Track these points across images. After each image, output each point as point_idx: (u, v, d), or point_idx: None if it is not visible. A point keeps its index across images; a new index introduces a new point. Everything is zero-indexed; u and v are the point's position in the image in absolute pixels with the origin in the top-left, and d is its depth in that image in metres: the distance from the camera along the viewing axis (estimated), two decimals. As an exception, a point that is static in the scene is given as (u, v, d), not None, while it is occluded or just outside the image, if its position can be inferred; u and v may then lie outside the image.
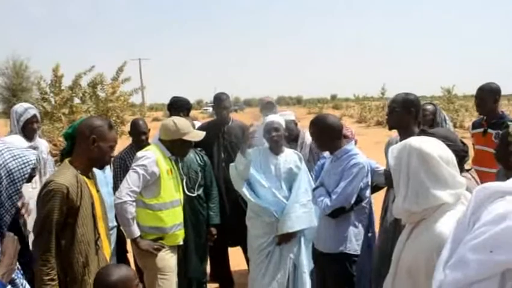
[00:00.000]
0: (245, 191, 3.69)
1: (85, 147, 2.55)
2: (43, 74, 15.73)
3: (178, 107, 4.61)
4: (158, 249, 3.33)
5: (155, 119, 33.89)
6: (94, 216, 2.53)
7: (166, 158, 3.42)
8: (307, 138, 4.46)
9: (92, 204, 2.53)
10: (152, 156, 3.33)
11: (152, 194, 3.33)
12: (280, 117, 3.91)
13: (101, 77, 15.32)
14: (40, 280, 2.27)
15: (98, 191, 2.69)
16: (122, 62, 15.94)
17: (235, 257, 4.72)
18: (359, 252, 3.19)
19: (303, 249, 3.62)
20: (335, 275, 3.18)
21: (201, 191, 4.10)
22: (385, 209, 3.34)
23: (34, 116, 4.12)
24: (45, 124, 14.21)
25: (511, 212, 1.28)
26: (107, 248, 2.71)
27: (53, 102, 14.84)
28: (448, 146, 1.98)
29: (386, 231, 3.28)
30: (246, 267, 4.29)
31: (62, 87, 15.02)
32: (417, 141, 1.94)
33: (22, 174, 1.82)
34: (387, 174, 3.18)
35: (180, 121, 3.49)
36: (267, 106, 5.16)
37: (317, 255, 3.29)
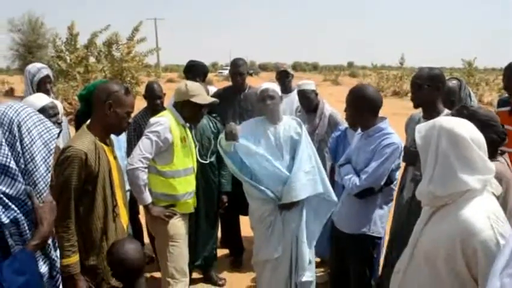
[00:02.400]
0: (236, 172, 3.56)
1: (101, 112, 2.50)
2: (59, 31, 15.72)
3: (195, 71, 4.53)
4: (170, 216, 3.32)
5: (170, 80, 33.83)
6: (111, 183, 2.50)
7: (179, 125, 3.37)
8: (327, 109, 4.37)
9: (110, 171, 2.49)
10: (166, 123, 3.27)
11: (165, 161, 3.30)
12: (275, 85, 3.74)
13: (116, 36, 15.24)
14: (61, 246, 2.24)
15: (115, 157, 2.65)
16: (137, 21, 15.78)
17: (246, 224, 4.71)
18: (382, 235, 3.10)
19: (304, 218, 3.56)
20: (355, 256, 3.11)
21: (213, 158, 4.06)
22: (402, 186, 3.26)
23: (47, 76, 4.09)
24: (60, 82, 14.26)
25: None
26: (125, 216, 2.69)
27: (68, 61, 14.84)
28: (492, 126, 1.85)
29: (401, 209, 3.22)
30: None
31: (78, 46, 14.99)
32: (448, 122, 1.84)
33: (51, 136, 1.79)
34: (407, 151, 3.08)
35: (192, 84, 3.43)
36: (283, 74, 5.03)
37: (337, 234, 3.20)
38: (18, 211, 1.66)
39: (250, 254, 3.95)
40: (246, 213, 4.29)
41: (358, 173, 2.97)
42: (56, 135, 1.83)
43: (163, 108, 4.25)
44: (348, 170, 3.05)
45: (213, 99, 3.50)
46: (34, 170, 1.71)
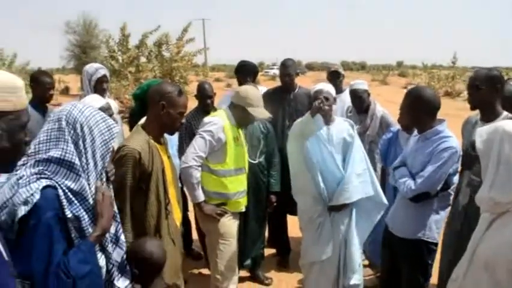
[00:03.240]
0: (309, 147, 3.43)
1: (155, 113, 2.57)
2: (111, 32, 16.29)
3: (245, 71, 4.57)
4: (221, 215, 3.37)
5: (217, 80, 34.31)
6: (164, 181, 2.56)
7: (232, 125, 3.41)
8: (378, 110, 4.31)
9: (163, 170, 2.56)
10: (219, 123, 3.33)
11: (217, 159, 3.35)
12: (329, 86, 3.69)
13: (166, 37, 15.62)
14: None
15: (169, 157, 2.72)
16: (185, 22, 16.11)
17: (294, 225, 4.71)
18: (437, 241, 3.00)
19: (354, 220, 3.50)
20: (409, 262, 3.02)
21: (262, 158, 4.07)
22: (457, 191, 3.15)
23: (104, 76, 4.23)
24: (112, 82, 14.75)
25: None
26: (178, 213, 2.76)
27: (120, 61, 15.33)
28: None
29: (457, 214, 3.12)
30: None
31: (129, 46, 15.47)
32: (511, 126, 1.77)
33: (111, 134, 1.87)
34: (464, 154, 2.98)
35: (254, 92, 3.44)
36: (334, 74, 5.00)
37: (390, 238, 3.12)
38: (80, 207, 1.74)
39: (297, 255, 3.94)
40: (293, 213, 4.31)
41: (413, 176, 2.88)
42: (116, 134, 1.90)
43: (214, 108, 4.32)
44: (403, 173, 2.97)
45: (268, 114, 3.50)
46: (93, 167, 1.79)
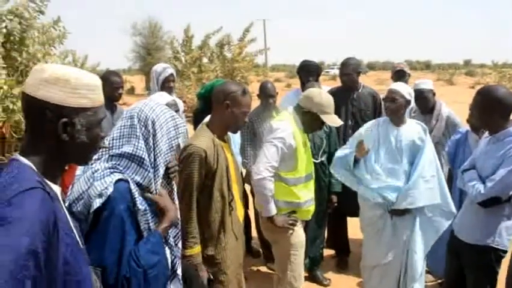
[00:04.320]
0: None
1: (219, 112, 2.63)
2: (175, 34, 16.82)
3: (308, 70, 4.53)
4: (293, 224, 3.18)
5: (277, 80, 34.42)
6: (228, 178, 2.62)
7: (300, 130, 3.20)
8: (444, 110, 4.16)
9: (227, 167, 2.62)
10: (289, 129, 3.11)
11: (288, 167, 3.13)
12: (403, 86, 3.50)
13: (228, 37, 15.90)
14: (184, 238, 2.39)
15: (232, 154, 2.78)
16: (246, 22, 16.34)
17: (354, 226, 4.65)
18: (507, 249, 2.85)
19: (417, 227, 3.37)
20: (476, 268, 2.90)
21: (324, 158, 4.05)
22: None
23: (171, 74, 4.38)
24: (175, 81, 15.19)
25: None
26: (241, 210, 2.82)
27: (183, 61, 15.79)
28: None
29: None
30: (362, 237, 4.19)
31: (192, 47, 15.90)
32: None
33: (177, 133, 1.94)
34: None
35: (328, 98, 3.18)
36: (400, 73, 4.88)
37: (456, 244, 3.00)
38: (146, 200, 1.81)
39: (356, 257, 3.88)
40: (353, 215, 4.25)
41: (483, 180, 2.75)
42: (182, 133, 1.97)
43: (276, 108, 4.34)
44: (472, 176, 2.84)
45: (340, 122, 3.27)
46: (160, 163, 1.86)
